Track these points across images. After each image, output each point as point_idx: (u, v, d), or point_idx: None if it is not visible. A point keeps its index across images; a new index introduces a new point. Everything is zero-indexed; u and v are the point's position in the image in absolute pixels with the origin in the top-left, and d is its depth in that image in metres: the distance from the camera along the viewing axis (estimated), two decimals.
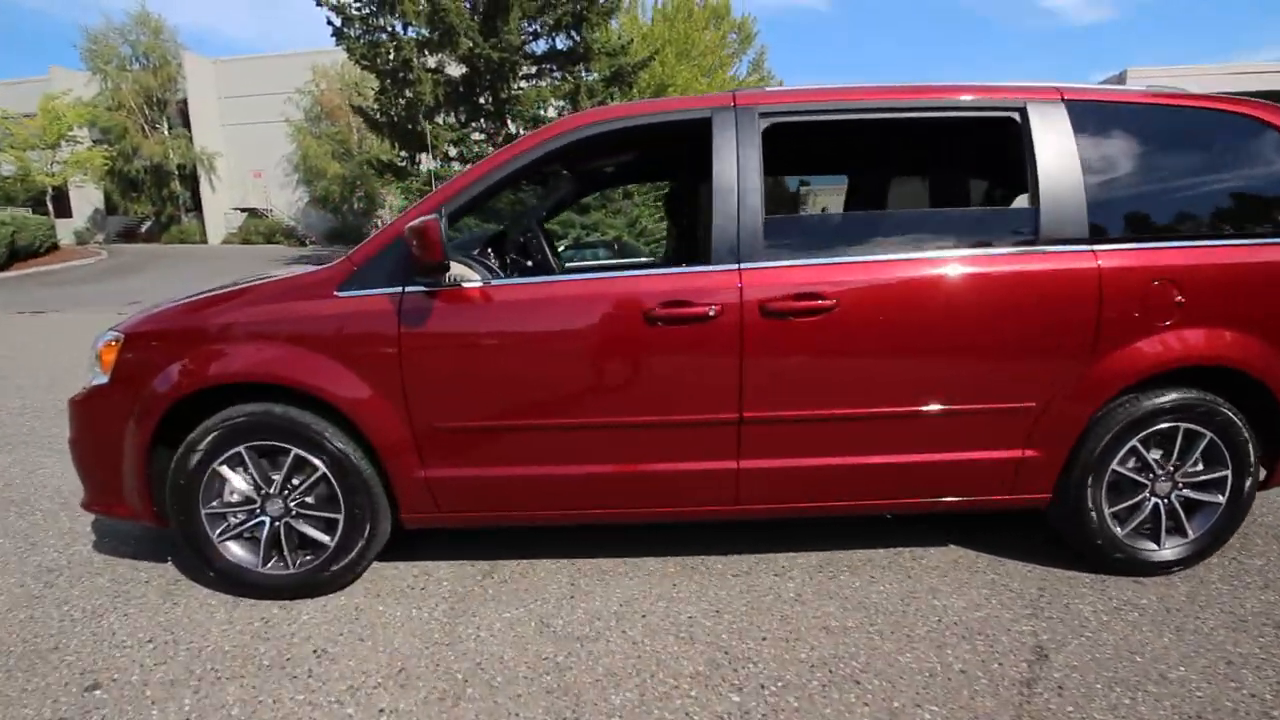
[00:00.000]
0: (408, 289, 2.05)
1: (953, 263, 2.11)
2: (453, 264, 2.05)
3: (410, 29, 17.25)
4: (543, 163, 2.12)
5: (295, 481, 2.14)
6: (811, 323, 2.05)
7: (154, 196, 30.51)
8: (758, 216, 2.07)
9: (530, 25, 17.77)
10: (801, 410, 2.11)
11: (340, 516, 2.14)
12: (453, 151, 17.16)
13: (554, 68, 18.23)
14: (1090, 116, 2.21)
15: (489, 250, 2.42)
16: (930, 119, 2.21)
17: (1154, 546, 2.34)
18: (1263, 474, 2.35)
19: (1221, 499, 2.31)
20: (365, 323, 2.04)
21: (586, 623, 2.08)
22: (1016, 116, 2.19)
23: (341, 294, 2.07)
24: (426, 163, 17.52)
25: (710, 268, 2.07)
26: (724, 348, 2.05)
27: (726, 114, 2.13)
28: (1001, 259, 2.13)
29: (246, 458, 2.10)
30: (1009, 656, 1.92)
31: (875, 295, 2.08)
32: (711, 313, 2.02)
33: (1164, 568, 2.34)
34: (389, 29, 17.26)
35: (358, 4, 17.14)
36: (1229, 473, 2.29)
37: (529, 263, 2.52)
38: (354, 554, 2.17)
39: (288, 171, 31.66)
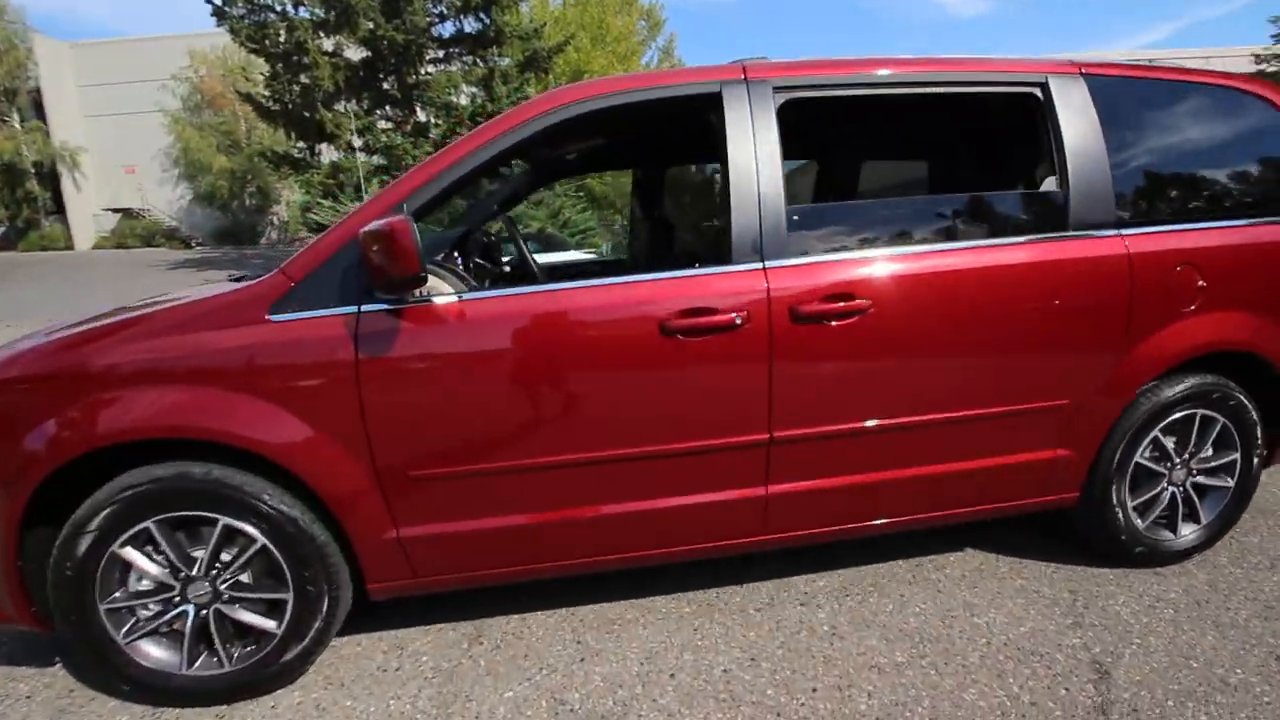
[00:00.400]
0: (365, 308, 1.64)
1: (987, 252, 1.93)
2: None
3: (303, 9, 15.88)
4: (526, 145, 1.75)
5: (225, 558, 1.69)
6: (845, 327, 1.80)
7: (5, 199, 26.91)
8: (780, 207, 1.80)
9: (436, 6, 16.79)
10: (835, 425, 1.87)
11: (288, 596, 1.71)
12: (357, 141, 16.01)
13: (463, 51, 17.34)
14: (1109, 92, 2.08)
15: (455, 255, 2.02)
16: (953, 94, 2.00)
17: (1172, 536, 2.30)
18: (1265, 453, 2.34)
19: (1231, 482, 2.30)
20: (311, 352, 1.62)
21: (607, 693, 1.76)
22: (1038, 92, 2.03)
23: (277, 317, 1.63)
24: (329, 153, 16.26)
25: (731, 268, 1.78)
26: (751, 360, 1.77)
27: (737, 88, 1.84)
28: (1034, 247, 1.96)
29: (157, 534, 1.64)
30: (1072, 679, 1.77)
31: (911, 292, 1.86)
32: (739, 320, 1.73)
33: (1182, 555, 2.31)
34: (278, 9, 15.83)
35: None
36: (1238, 455, 2.27)
37: (501, 268, 2.14)
38: (308, 640, 1.74)
39: (166, 166, 28.80)
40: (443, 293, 1.70)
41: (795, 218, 1.82)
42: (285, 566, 1.68)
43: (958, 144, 2.64)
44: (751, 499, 1.89)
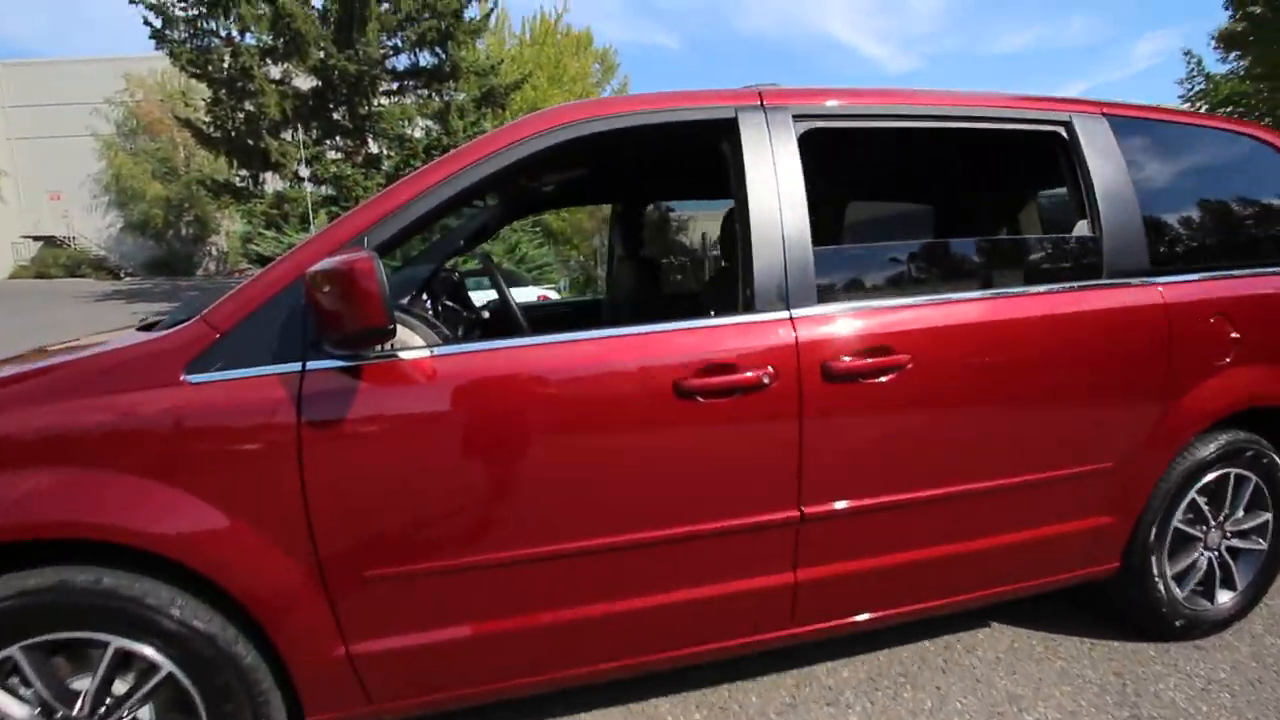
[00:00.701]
0: (311, 365, 1.31)
1: (1028, 301, 1.74)
2: None
3: (249, 36, 15.39)
4: (517, 169, 1.47)
5: (119, 690, 1.30)
6: (883, 386, 1.57)
7: None
8: (807, 247, 1.57)
9: (391, 39, 16.56)
10: (873, 497, 1.61)
11: None
12: (304, 171, 15.45)
13: (419, 85, 17.09)
14: (1131, 134, 1.97)
15: (424, 297, 1.71)
16: (977, 130, 1.84)
17: (1209, 605, 2.13)
18: None
19: (1264, 544, 2.15)
20: (241, 422, 1.27)
21: None
22: (1063, 131, 1.89)
23: (195, 377, 1.28)
24: (274, 183, 15.61)
25: (754, 317, 1.52)
26: (779, 425, 1.51)
27: (754, 114, 1.62)
28: (1074, 296, 1.79)
29: (25, 665, 1.24)
30: None
31: (953, 345, 1.65)
32: (766, 379, 1.47)
33: (1221, 625, 2.14)
34: (222, 34, 15.28)
35: (182, 4, 15.02)
36: (1270, 516, 2.14)
37: (475, 313, 1.83)
38: None
39: (96, 193, 27.33)
40: (410, 345, 1.39)
41: (822, 260, 1.59)
42: (198, 700, 1.30)
43: (981, 184, 2.50)
44: (778, 588, 1.60)
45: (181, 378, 1.27)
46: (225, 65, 15.22)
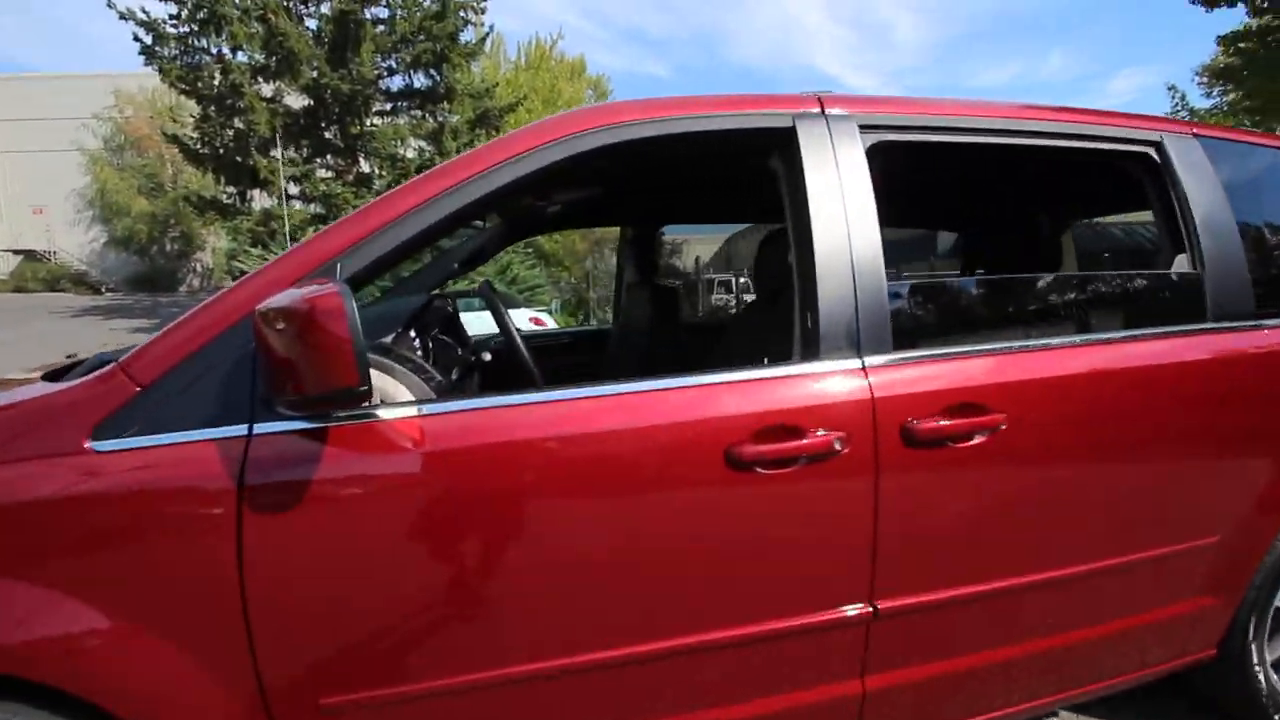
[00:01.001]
0: (260, 429, 1.00)
1: (1130, 348, 1.48)
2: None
3: (241, 54, 15.19)
4: (528, 183, 1.19)
5: None
6: (972, 451, 1.28)
7: None
8: (881, 281, 1.29)
9: (385, 60, 16.43)
10: (958, 587, 1.32)
11: None
12: (293, 189, 15.14)
13: (412, 105, 16.93)
14: (1226, 159, 1.73)
15: (411, 334, 1.41)
16: (1062, 149, 1.59)
17: None
18: None
19: None
20: (159, 505, 0.96)
21: None
22: (1153, 153, 1.64)
23: (104, 444, 0.97)
24: (262, 200, 15.29)
25: (818, 366, 1.24)
26: (849, 500, 1.22)
27: (815, 124, 1.35)
28: (1183, 342, 1.53)
29: None
30: None
31: (1051, 401, 1.37)
32: (838, 445, 1.18)
33: None
34: (213, 51, 15.07)
35: (173, 21, 14.82)
36: None
37: (475, 353, 1.53)
38: None
39: (80, 208, 26.89)
40: (392, 399, 1.09)
41: (897, 296, 1.32)
42: None
43: (1057, 211, 2.24)
44: (840, 701, 1.29)
45: (85, 444, 0.96)
46: (215, 82, 14.98)
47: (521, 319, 12.20)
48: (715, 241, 20.11)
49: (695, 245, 17.99)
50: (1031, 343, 1.39)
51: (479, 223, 1.94)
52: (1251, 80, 9.61)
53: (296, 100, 15.75)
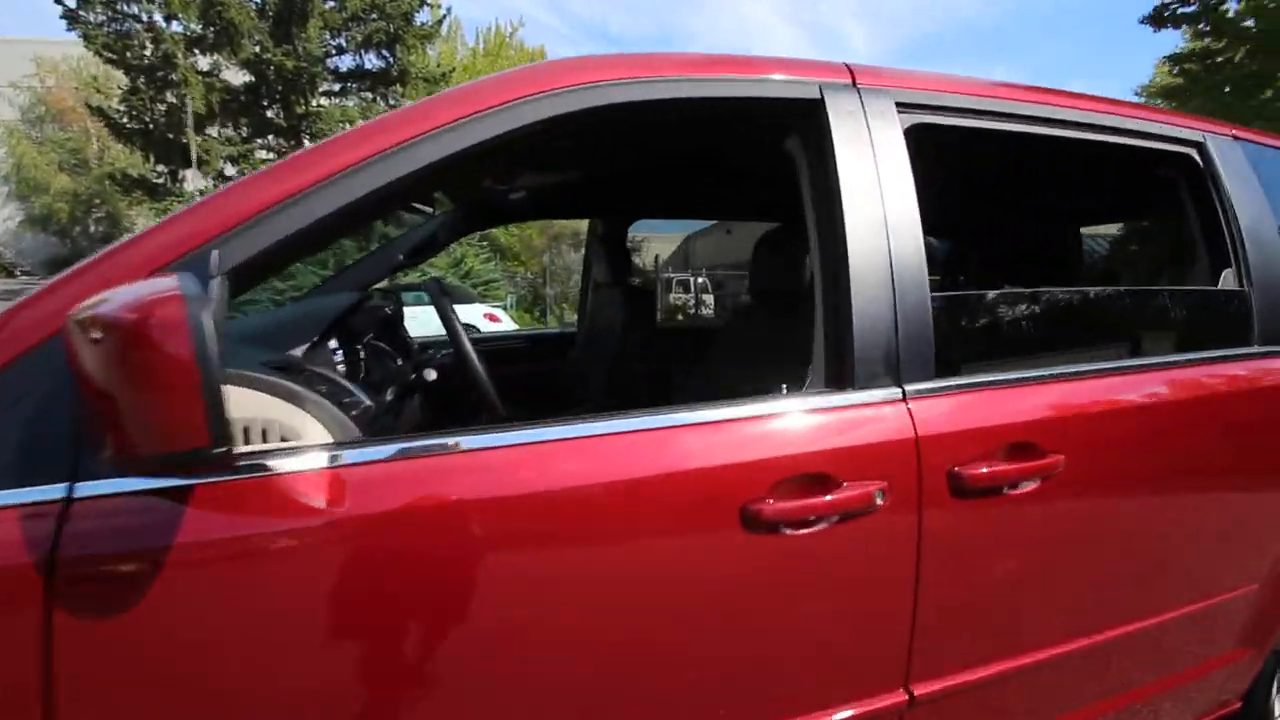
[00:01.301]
0: (85, 489, 0.69)
1: (1187, 376, 1.29)
2: (244, 393, 0.76)
3: (175, 22, 14.20)
4: (495, 147, 0.90)
5: None
6: (1028, 498, 1.06)
7: None
8: (924, 294, 1.06)
9: (336, 39, 15.65)
10: (1007, 660, 1.10)
11: None
12: (230, 169, 14.25)
13: (362, 87, 16.18)
14: (1269, 166, 1.57)
15: (333, 345, 1.10)
16: (1102, 144, 1.39)
17: None
18: None
19: None
20: None
21: None
22: (1195, 154, 1.46)
23: None
24: (193, 180, 14.31)
25: (850, 397, 0.99)
26: (886, 565, 0.98)
27: (845, 97, 1.11)
28: (1230, 368, 1.35)
29: None
30: None
31: (1110, 438, 1.17)
32: (879, 498, 0.94)
33: None
34: (144, 18, 14.04)
35: None
36: None
37: (417, 372, 1.22)
38: None
39: None
40: (296, 442, 0.79)
41: (940, 313, 1.09)
42: None
43: (1104, 214, 2.05)
44: None
45: None
46: (146, 52, 13.95)
47: (476, 314, 11.74)
48: (675, 240, 19.92)
49: (655, 243, 17.75)
50: (1086, 368, 1.19)
51: (426, 208, 1.62)
52: (1194, 100, 9.96)
53: (236, 76, 14.84)
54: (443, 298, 1.18)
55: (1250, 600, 1.43)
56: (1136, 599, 1.24)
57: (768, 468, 0.91)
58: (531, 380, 2.50)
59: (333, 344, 1.08)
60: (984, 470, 1.02)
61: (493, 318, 11.86)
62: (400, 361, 1.23)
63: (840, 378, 1.01)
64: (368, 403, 0.97)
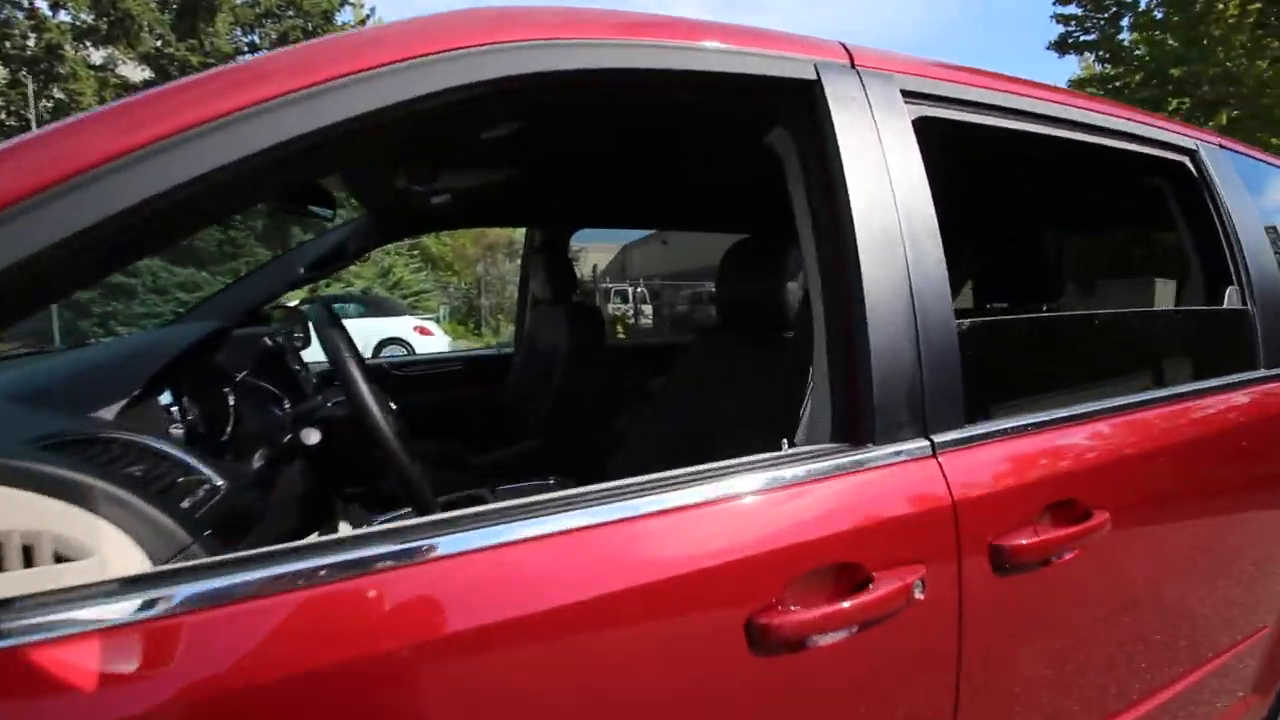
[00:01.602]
0: None
1: (1209, 408, 1.16)
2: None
3: (62, 11, 13.00)
4: (418, 114, 0.63)
5: None
6: (1072, 566, 0.88)
7: None
8: (949, 323, 0.86)
9: (247, 35, 14.74)
10: None
11: None
12: None
13: None
14: (1259, 179, 1.50)
15: (181, 400, 0.80)
16: (1109, 149, 1.25)
17: None
18: None
19: None
20: None
21: None
22: (1188, 163, 1.36)
23: None
24: None
25: (871, 454, 0.78)
26: (925, 658, 0.78)
27: (845, 80, 0.90)
28: (1242, 394, 1.23)
29: None
30: None
31: (1148, 485, 1.01)
32: (919, 592, 0.73)
33: None
34: (26, 5, 12.79)
35: None
36: None
37: (294, 434, 0.90)
38: None
39: None
40: (78, 568, 0.51)
41: (968, 340, 0.89)
42: None
43: (1090, 224, 1.92)
44: None
45: None
46: (27, 42, 12.70)
47: (406, 327, 11.14)
48: (611, 250, 19.73)
49: (592, 254, 17.52)
50: (1116, 403, 1.02)
51: (323, 210, 1.30)
52: None
53: (134, 71, 13.71)
54: (331, 329, 0.85)
55: (1264, 644, 1.32)
56: (1175, 658, 1.09)
57: (778, 562, 0.68)
58: (465, 408, 2.22)
59: (165, 397, 0.77)
60: (1026, 542, 0.83)
61: (424, 331, 11.30)
62: (281, 413, 0.92)
63: (856, 428, 0.79)
64: (216, 483, 0.67)
